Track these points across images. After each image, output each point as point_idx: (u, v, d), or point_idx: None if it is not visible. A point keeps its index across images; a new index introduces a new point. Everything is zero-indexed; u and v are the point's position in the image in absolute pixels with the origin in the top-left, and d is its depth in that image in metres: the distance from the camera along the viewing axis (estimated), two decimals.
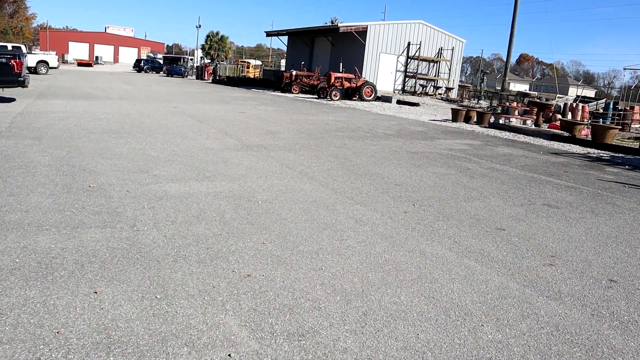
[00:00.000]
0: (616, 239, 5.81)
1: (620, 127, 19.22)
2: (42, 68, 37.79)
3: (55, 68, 42.25)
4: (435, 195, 7.30)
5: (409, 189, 7.57)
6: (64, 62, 76.10)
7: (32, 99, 17.34)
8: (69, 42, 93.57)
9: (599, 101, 27.89)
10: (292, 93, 34.12)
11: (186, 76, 56.85)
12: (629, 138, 18.63)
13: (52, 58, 41.69)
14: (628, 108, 23.88)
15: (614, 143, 15.75)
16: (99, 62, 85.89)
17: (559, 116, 21.36)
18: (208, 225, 5.16)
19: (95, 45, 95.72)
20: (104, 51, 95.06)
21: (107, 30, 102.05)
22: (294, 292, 3.78)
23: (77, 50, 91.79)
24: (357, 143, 12.24)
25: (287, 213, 5.82)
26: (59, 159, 7.77)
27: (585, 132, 17.63)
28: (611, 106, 22.83)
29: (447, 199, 7.12)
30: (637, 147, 14.95)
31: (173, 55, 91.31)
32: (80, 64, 72.53)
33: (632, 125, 22.16)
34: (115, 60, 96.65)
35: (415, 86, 40.46)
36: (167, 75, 56.08)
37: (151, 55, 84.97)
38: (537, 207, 7.07)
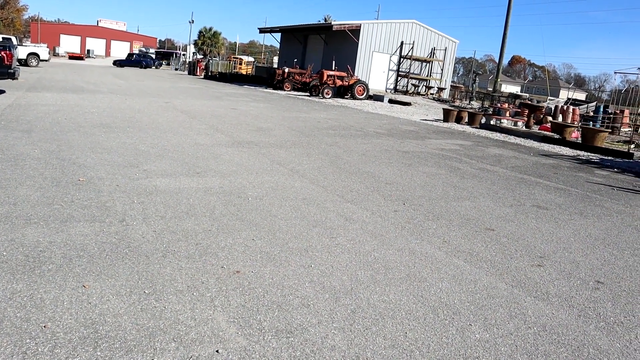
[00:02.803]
0: (604, 241, 5.86)
1: (610, 130, 19.37)
2: (32, 60, 37.45)
3: (46, 61, 41.92)
4: (426, 195, 7.32)
5: (399, 188, 7.58)
6: (55, 54, 75.45)
7: (22, 91, 17.18)
8: (61, 35, 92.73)
9: (590, 104, 28.09)
10: (285, 90, 34.06)
11: (149, 67, 57.46)
12: (618, 141, 18.80)
13: (43, 50, 41.35)
14: (618, 112, 24.06)
15: (603, 146, 15.88)
16: (90, 55, 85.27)
17: (550, 118, 21.50)
18: (198, 221, 5.14)
19: (87, 38, 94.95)
20: (95, 45, 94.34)
21: (99, 24, 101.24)
22: (282, 289, 3.78)
23: (69, 43, 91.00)
24: (349, 141, 12.25)
25: (277, 210, 5.82)
26: (48, 152, 7.71)
27: (575, 135, 17.75)
28: (601, 109, 22.97)
29: (437, 199, 7.15)
30: (627, 150, 15.08)
31: (165, 50, 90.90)
32: (72, 57, 71.95)
33: (621, 129, 22.33)
34: (107, 54, 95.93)
35: (407, 86, 40.53)
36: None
37: (143, 49, 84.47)
38: (526, 208, 7.11)
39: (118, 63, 59.08)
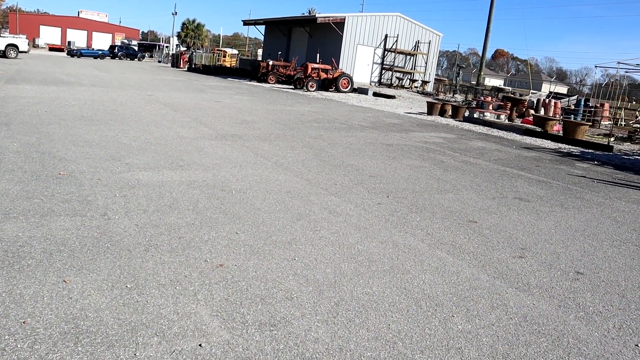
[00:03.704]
0: (584, 233, 5.94)
1: (591, 123, 19.64)
2: (11, 52, 36.78)
3: (25, 52, 41.12)
4: (409, 188, 7.35)
5: (383, 181, 7.61)
6: (35, 46, 74.17)
7: (1, 83, 16.87)
8: (40, 26, 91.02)
9: (571, 98, 28.38)
10: (269, 83, 33.92)
11: (104, 58, 56.27)
12: (598, 134, 19.05)
13: (22, 42, 40.47)
14: (598, 105, 24.38)
15: (584, 139, 16.08)
16: (71, 47, 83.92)
17: (532, 111, 21.70)
18: (181, 215, 5.11)
19: (68, 29, 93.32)
20: (76, 36, 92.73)
21: (80, 15, 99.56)
22: (266, 282, 3.77)
23: (49, 35, 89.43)
24: (333, 134, 12.24)
25: (261, 203, 5.80)
26: (28, 145, 7.59)
27: (557, 128, 17.95)
28: (582, 103, 23.27)
29: (420, 191, 7.19)
30: (607, 143, 15.29)
31: (148, 42, 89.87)
32: (52, 48, 70.74)
33: (602, 122, 22.64)
34: (89, 45, 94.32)
35: (391, 79, 40.60)
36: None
37: (126, 41, 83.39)
38: (508, 201, 7.18)
39: (72, 53, 57.43)
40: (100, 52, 59.13)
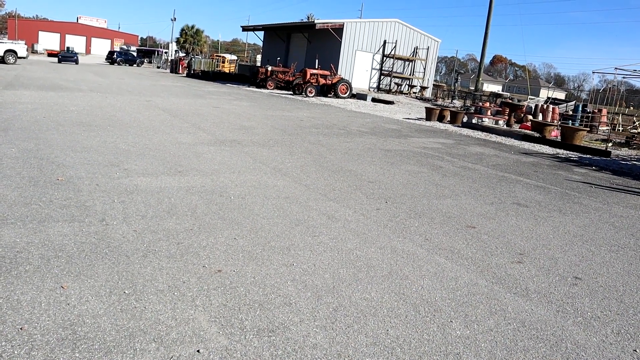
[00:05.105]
0: (582, 238, 5.94)
1: (589, 129, 19.69)
2: (10, 58, 36.84)
3: (24, 58, 41.19)
4: (408, 193, 7.36)
5: (381, 186, 7.61)
6: (34, 52, 74.25)
7: None
8: (39, 32, 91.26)
9: (569, 103, 28.47)
10: (268, 89, 33.97)
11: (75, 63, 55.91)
12: (596, 140, 19.09)
13: (20, 47, 40.52)
14: (596, 110, 24.45)
15: (582, 144, 16.12)
16: (62, 54, 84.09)
17: (530, 117, 21.74)
18: (179, 220, 5.11)
19: (67, 35, 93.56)
20: (75, 42, 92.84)
21: (79, 21, 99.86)
22: (264, 288, 3.77)
23: (48, 41, 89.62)
24: (331, 140, 12.26)
25: (260, 209, 5.80)
26: (26, 151, 7.59)
27: (555, 133, 17.99)
28: (580, 108, 23.34)
29: (419, 197, 7.19)
30: (604, 148, 15.33)
31: (147, 48, 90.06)
32: (51, 54, 70.80)
33: (599, 128, 22.70)
34: (88, 51, 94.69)
35: (390, 84, 40.68)
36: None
37: (124, 47, 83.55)
38: (507, 206, 7.19)
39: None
40: (75, 56, 59.45)
